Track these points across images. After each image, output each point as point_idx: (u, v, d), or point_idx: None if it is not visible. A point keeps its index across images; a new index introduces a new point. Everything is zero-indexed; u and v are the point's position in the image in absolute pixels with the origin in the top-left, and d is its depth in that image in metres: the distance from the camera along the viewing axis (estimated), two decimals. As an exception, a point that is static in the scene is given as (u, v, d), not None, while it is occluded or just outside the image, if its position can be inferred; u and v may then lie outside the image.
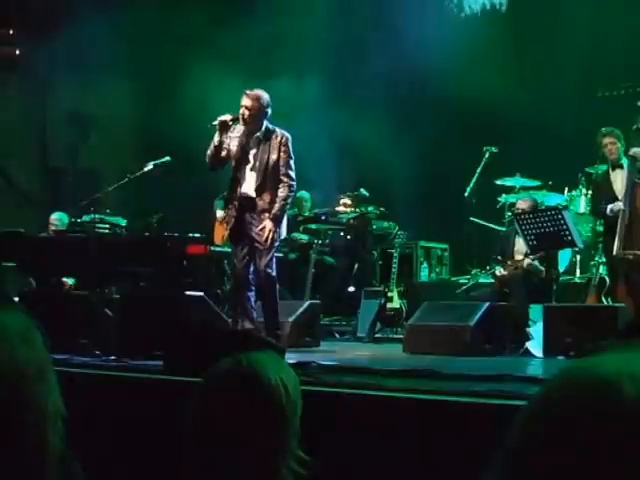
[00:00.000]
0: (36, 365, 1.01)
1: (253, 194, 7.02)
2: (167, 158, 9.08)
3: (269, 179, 7.01)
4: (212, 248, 9.61)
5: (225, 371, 1.96)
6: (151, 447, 4.55)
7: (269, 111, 7.05)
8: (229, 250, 7.79)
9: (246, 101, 7.00)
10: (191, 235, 9.35)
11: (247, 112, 6.97)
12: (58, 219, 10.35)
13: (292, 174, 7.06)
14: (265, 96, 7.04)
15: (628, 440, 0.77)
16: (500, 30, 12.00)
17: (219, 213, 9.67)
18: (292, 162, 7.09)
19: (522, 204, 8.46)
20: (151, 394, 4.94)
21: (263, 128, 7.05)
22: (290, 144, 7.08)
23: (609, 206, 7.96)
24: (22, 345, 1.01)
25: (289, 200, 7.16)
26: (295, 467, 1.92)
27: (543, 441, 0.80)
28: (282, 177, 7.02)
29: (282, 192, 7.01)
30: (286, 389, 1.96)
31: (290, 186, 7.05)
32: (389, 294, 9.19)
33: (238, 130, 7.09)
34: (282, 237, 7.38)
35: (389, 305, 9.13)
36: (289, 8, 12.49)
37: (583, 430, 0.78)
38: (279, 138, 7.04)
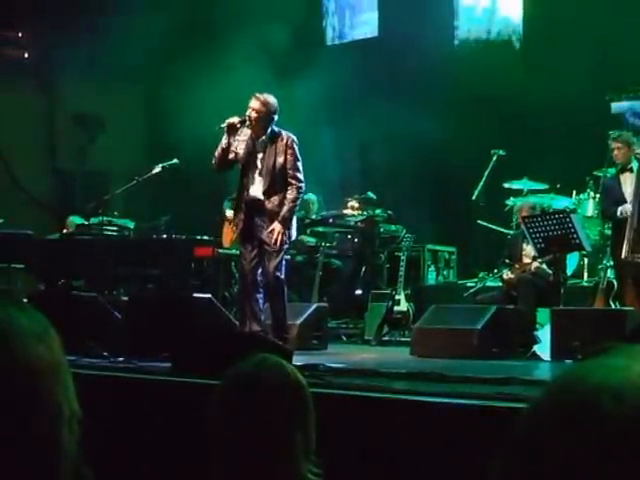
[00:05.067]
0: (51, 366, 1.01)
1: (261, 197, 7.04)
2: (175, 161, 9.11)
3: (277, 182, 7.03)
4: (220, 250, 9.61)
5: (250, 373, 1.89)
6: (160, 448, 4.56)
7: (275, 117, 7.09)
8: (237, 252, 7.79)
9: (254, 103, 7.03)
10: (199, 237, 9.38)
11: (254, 114, 7.00)
12: (74, 222, 10.33)
13: (300, 176, 7.08)
14: (273, 102, 7.08)
15: (608, 458, 0.75)
16: (510, 34, 12.01)
17: (228, 213, 9.67)
18: (299, 164, 7.10)
19: (524, 212, 8.43)
20: (159, 395, 4.94)
21: (269, 132, 7.08)
22: (296, 146, 7.10)
23: (619, 208, 7.92)
24: (38, 345, 1.01)
25: (298, 202, 7.18)
26: (310, 475, 1.88)
27: (529, 450, 0.80)
28: (290, 179, 7.04)
29: (290, 194, 7.02)
30: (308, 392, 1.90)
31: (298, 188, 7.07)
32: (396, 297, 9.17)
33: (245, 133, 7.12)
34: (292, 239, 7.38)
35: (396, 308, 9.11)
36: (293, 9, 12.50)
37: (565, 446, 0.77)
38: (285, 141, 7.06)
